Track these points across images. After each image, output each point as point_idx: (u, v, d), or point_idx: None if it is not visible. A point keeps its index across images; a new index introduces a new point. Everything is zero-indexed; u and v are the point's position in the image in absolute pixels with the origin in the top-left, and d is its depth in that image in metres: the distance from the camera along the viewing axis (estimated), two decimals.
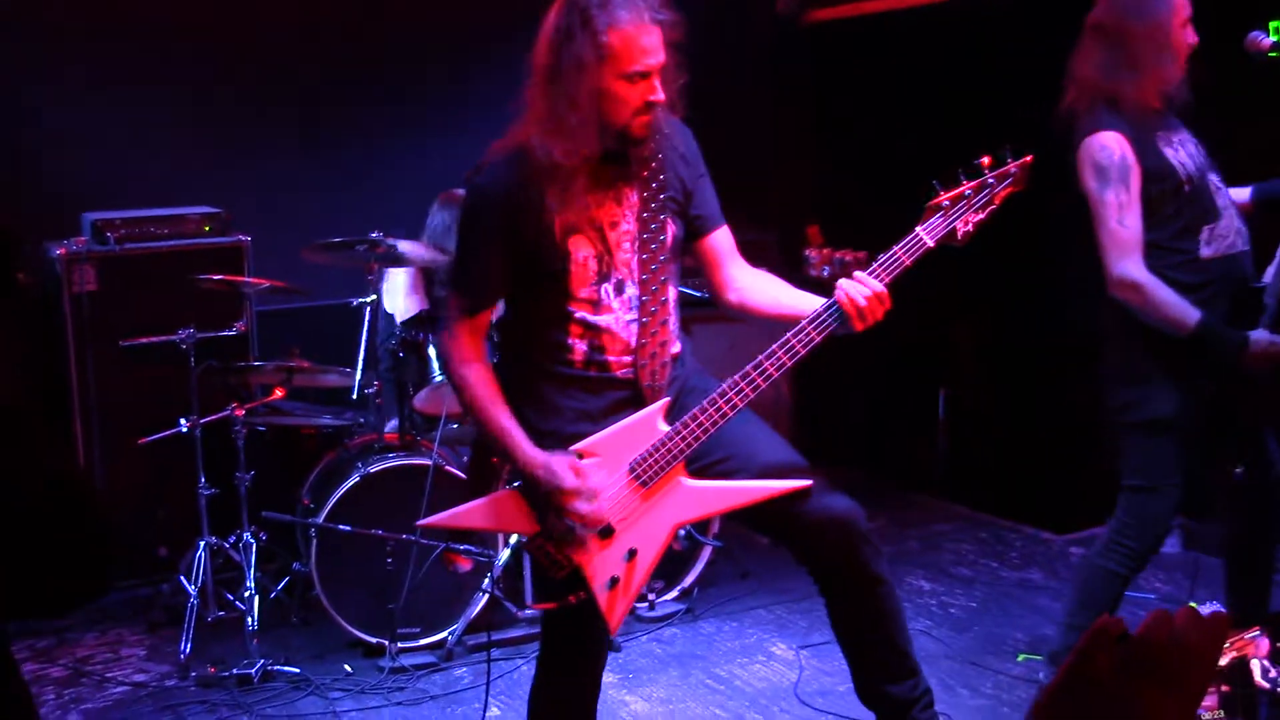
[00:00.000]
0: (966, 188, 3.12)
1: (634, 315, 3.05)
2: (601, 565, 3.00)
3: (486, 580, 4.89)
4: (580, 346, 3.04)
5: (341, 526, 4.77)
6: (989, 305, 6.79)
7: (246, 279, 5.33)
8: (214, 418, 5.02)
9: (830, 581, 3.16)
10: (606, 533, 3.00)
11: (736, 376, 3.01)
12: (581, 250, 3.00)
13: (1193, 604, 4.19)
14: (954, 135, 6.74)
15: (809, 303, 3.14)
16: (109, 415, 5.47)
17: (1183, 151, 3.84)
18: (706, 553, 5.33)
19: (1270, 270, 3.85)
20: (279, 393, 5.17)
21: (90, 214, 5.61)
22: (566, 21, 2.89)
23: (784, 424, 6.65)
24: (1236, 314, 3.81)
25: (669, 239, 3.10)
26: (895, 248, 3.08)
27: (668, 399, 3.08)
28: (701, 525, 5.26)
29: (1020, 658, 4.80)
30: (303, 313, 5.91)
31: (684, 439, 3.00)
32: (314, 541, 4.79)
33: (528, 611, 4.96)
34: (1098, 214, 3.78)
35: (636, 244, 3.05)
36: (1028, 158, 3.18)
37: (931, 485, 6.93)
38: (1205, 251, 3.80)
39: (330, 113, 6.36)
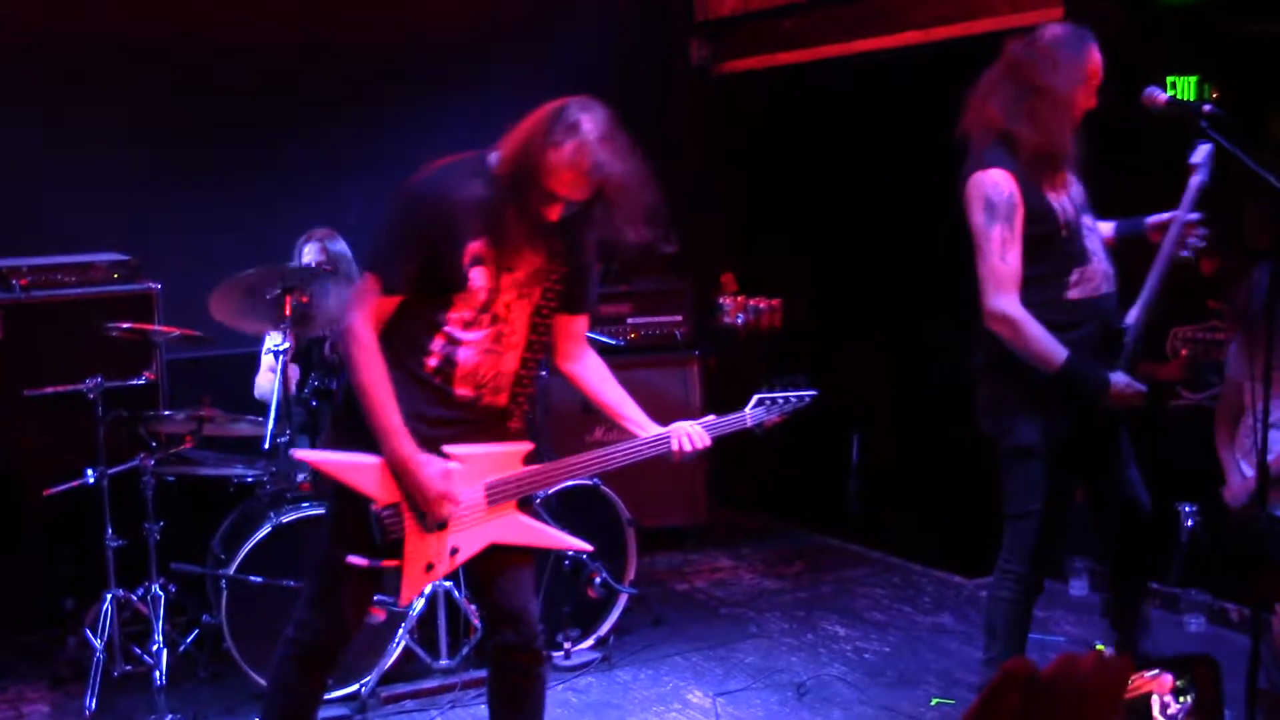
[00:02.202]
0: (781, 396, 3.77)
1: (495, 348, 3.43)
2: (427, 549, 3.43)
3: (400, 630, 4.85)
4: (437, 354, 3.40)
5: (253, 578, 4.71)
6: (902, 350, 6.89)
7: (156, 327, 5.25)
8: (122, 468, 4.93)
9: (498, 664, 3.71)
10: (443, 525, 3.42)
11: (586, 455, 3.57)
12: (478, 280, 3.36)
13: (1100, 645, 4.26)
14: (862, 184, 6.87)
15: (627, 405, 3.67)
16: (13, 466, 5.35)
17: (1064, 195, 4.03)
18: (622, 601, 5.32)
19: (1132, 312, 4.05)
20: (188, 442, 5.09)
21: None
22: (553, 114, 3.31)
23: (699, 470, 6.68)
24: (1101, 354, 4.00)
25: (555, 298, 3.51)
26: (729, 417, 3.71)
27: (532, 445, 3.56)
28: (617, 574, 5.27)
29: (934, 702, 4.84)
30: (214, 361, 5.84)
31: (533, 482, 3.52)
32: (225, 593, 4.72)
33: (443, 662, 4.93)
34: (981, 247, 3.97)
35: (528, 298, 3.44)
36: (815, 393, 3.81)
37: (845, 530, 6.99)
38: (1072, 293, 4.01)
39: (242, 156, 6.32)
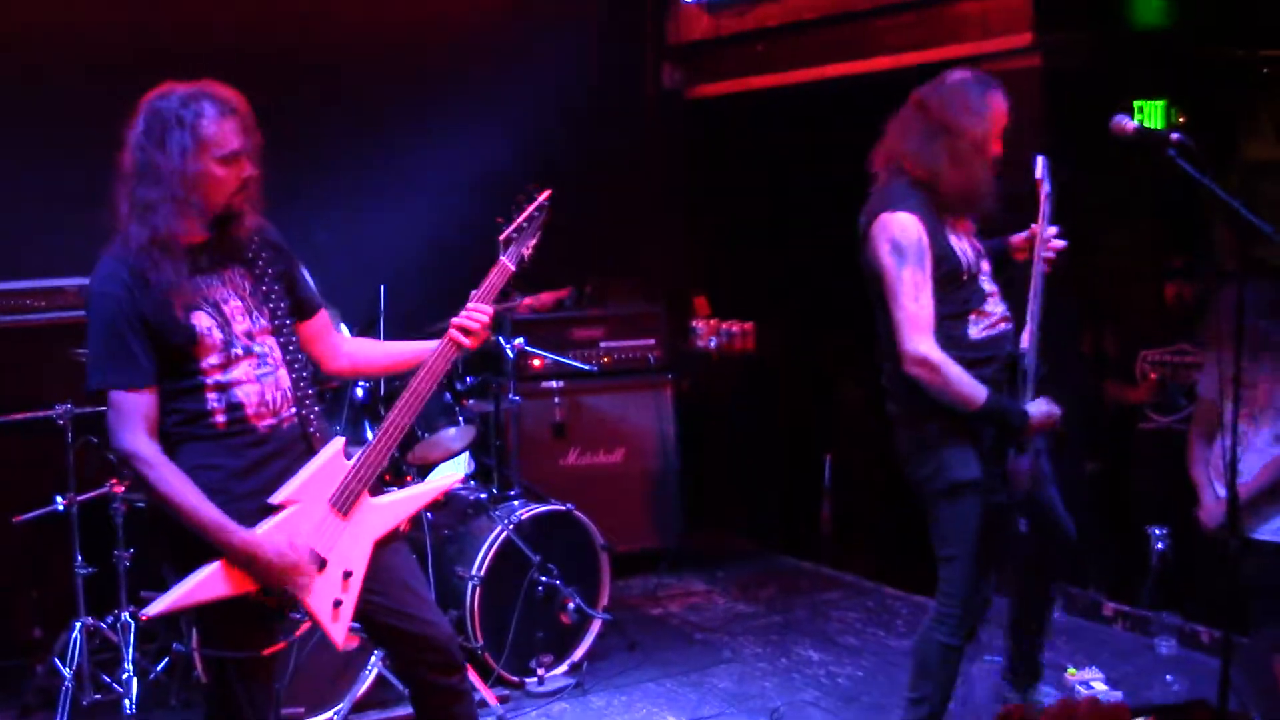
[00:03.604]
0: (522, 221, 3.63)
1: (266, 370, 3.35)
2: (324, 593, 3.35)
3: (373, 658, 4.82)
4: (218, 409, 3.29)
5: None
6: (874, 372, 6.90)
7: None
8: (91, 495, 4.90)
9: (423, 693, 3.61)
10: (322, 564, 3.33)
11: (392, 411, 3.43)
12: (204, 323, 3.27)
13: (1071, 669, 4.23)
14: (834, 209, 6.88)
15: (403, 348, 3.67)
16: None
17: (965, 242, 4.09)
18: (596, 626, 5.32)
19: (1023, 337, 4.12)
20: None
21: None
22: (156, 125, 3.27)
23: (671, 492, 6.68)
24: (1007, 385, 4.06)
25: (286, 307, 3.45)
26: (491, 276, 3.57)
27: (343, 438, 3.43)
28: (590, 599, 5.26)
29: None
30: None
31: (368, 466, 3.40)
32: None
33: None
34: (893, 290, 3.94)
35: (253, 314, 3.36)
36: (548, 191, 3.65)
37: (818, 553, 6.99)
38: (973, 332, 4.05)
39: None
